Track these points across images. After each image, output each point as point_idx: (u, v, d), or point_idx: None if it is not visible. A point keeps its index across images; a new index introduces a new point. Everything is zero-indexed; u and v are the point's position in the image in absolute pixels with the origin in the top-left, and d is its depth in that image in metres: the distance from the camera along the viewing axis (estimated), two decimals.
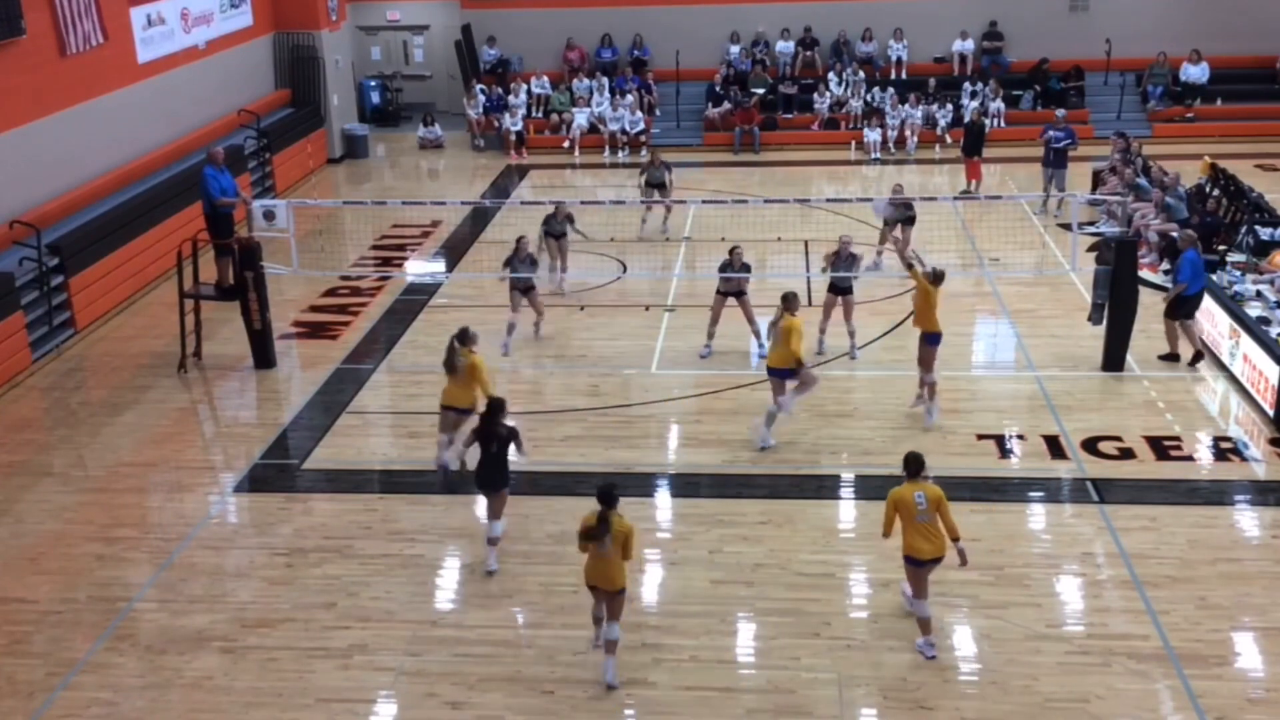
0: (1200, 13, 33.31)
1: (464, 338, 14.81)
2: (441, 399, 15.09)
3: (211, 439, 17.43)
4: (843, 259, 18.38)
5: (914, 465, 11.60)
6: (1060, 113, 27.73)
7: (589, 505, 14.55)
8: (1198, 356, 18.15)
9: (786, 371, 15.68)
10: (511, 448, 13.22)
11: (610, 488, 11.44)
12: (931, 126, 32.34)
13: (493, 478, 13.34)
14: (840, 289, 18.50)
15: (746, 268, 18.63)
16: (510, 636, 12.46)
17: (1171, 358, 18.25)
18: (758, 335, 18.81)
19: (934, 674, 11.62)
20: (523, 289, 19.16)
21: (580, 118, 33.06)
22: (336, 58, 32.88)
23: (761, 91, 32.96)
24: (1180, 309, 18.08)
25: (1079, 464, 15.50)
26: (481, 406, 13.86)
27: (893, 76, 33.89)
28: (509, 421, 13.33)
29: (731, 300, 18.65)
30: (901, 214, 21.42)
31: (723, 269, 18.59)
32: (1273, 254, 19.93)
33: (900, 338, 19.40)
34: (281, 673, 11.97)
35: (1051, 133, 26.12)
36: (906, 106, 31.90)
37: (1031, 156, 28.00)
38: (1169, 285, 18.84)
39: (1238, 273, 19.46)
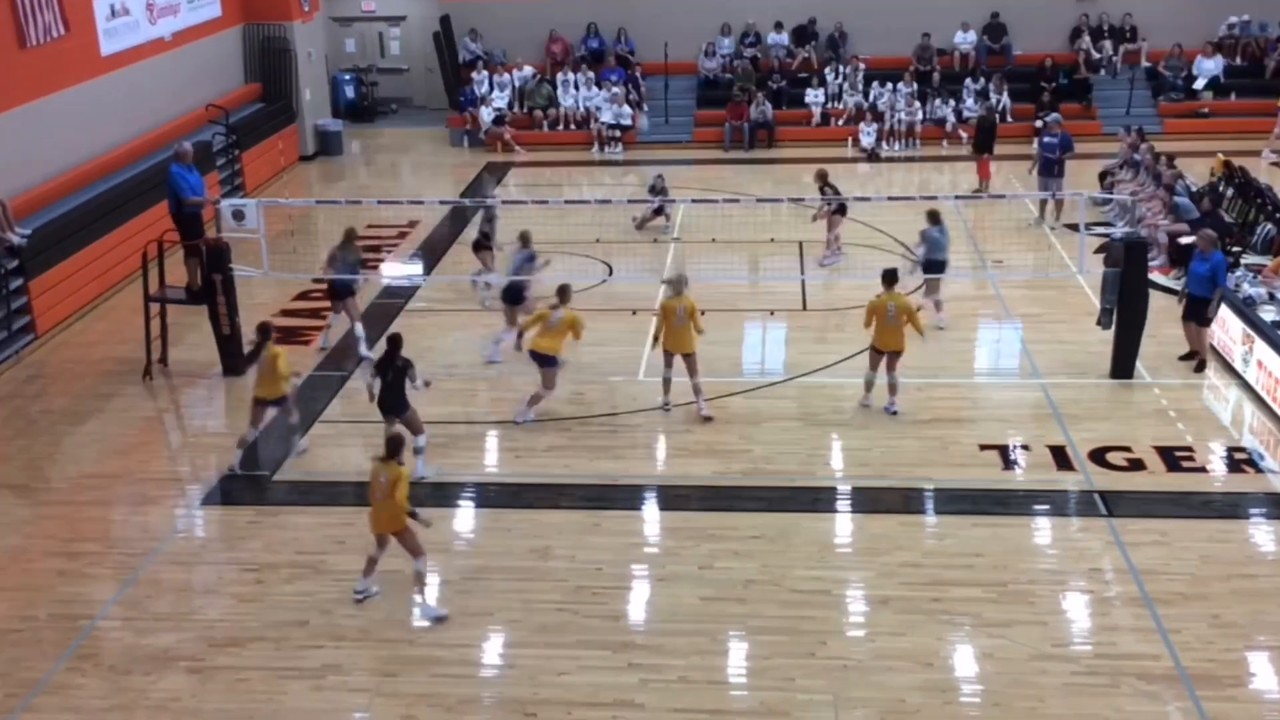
0: (1211, 3, 33.41)
1: (564, 293, 17.26)
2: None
3: (178, 449, 17.41)
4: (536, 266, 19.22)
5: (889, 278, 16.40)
6: (1053, 117, 26.78)
7: (575, 519, 14.59)
8: (1201, 364, 18.24)
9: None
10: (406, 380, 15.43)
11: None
12: (939, 123, 32.30)
13: (394, 403, 15.45)
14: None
15: (532, 258, 19.07)
16: (491, 656, 12.47)
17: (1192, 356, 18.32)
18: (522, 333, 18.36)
19: (934, 695, 11.62)
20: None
21: (568, 101, 33.00)
22: (309, 50, 32.86)
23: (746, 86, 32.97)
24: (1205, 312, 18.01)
25: (1086, 475, 15.52)
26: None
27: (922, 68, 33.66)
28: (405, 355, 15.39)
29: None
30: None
31: (517, 266, 19.01)
32: (1276, 260, 19.85)
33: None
34: (252, 694, 11.94)
35: (1046, 139, 25.02)
36: (904, 103, 31.97)
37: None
38: (1178, 289, 18.91)
39: (1252, 275, 19.40)
